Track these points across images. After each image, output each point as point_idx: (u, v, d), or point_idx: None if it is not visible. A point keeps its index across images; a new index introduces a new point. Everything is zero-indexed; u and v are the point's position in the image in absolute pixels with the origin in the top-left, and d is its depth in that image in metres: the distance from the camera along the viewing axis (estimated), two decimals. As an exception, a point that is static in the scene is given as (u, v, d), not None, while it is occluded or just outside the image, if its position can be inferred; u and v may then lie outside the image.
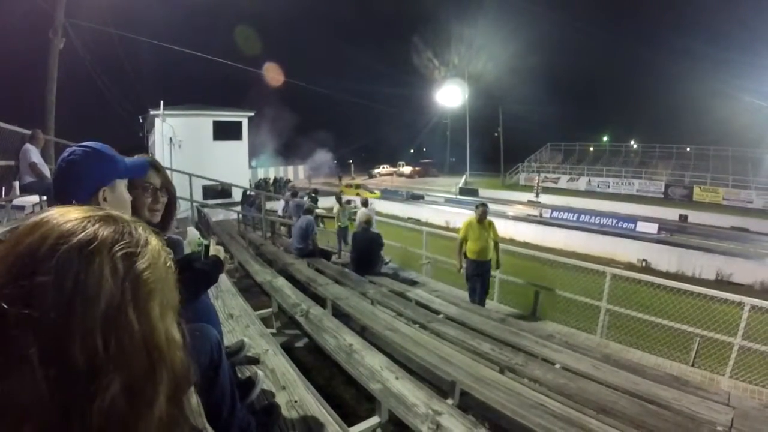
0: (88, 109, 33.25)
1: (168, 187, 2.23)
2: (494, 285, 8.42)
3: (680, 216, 29.86)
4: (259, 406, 2.47)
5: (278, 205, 14.83)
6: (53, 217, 0.62)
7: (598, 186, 41.69)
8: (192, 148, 26.49)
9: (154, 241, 0.67)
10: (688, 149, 43.30)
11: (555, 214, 30.29)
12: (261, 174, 46.85)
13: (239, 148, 30.24)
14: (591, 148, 50.75)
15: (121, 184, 1.55)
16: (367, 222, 8.14)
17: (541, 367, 4.16)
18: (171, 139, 26.28)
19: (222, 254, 2.39)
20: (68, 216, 0.62)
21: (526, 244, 19.61)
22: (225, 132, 29.14)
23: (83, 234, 0.59)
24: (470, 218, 7.61)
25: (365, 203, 12.39)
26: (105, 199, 1.45)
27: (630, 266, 18.41)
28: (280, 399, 2.61)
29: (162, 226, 2.23)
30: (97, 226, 0.61)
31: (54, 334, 0.52)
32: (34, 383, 0.51)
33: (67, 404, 0.52)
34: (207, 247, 2.37)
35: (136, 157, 1.83)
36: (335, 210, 14.39)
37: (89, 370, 0.53)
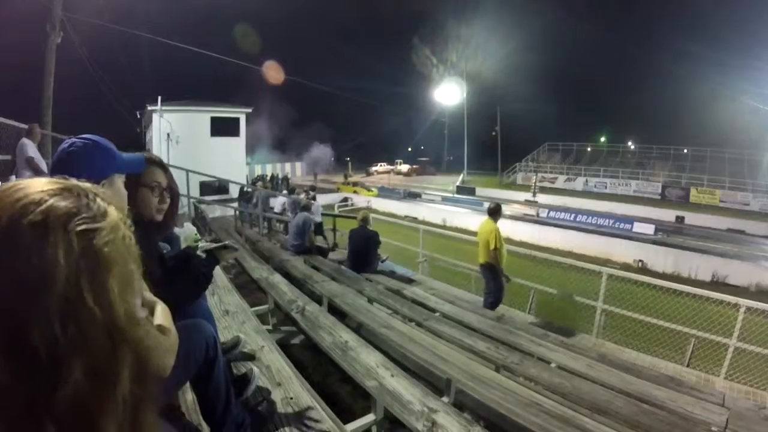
0: (86, 104, 33.12)
1: (172, 186, 2.25)
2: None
3: (677, 217, 30.00)
4: (254, 403, 2.46)
5: (275, 202, 14.78)
6: (9, 192, 0.59)
7: (595, 186, 41.83)
8: (189, 144, 26.39)
9: (114, 213, 0.64)
10: (685, 151, 43.44)
11: (552, 213, 30.37)
12: (258, 170, 46.82)
13: (237, 145, 30.13)
14: (588, 149, 50.84)
15: (119, 179, 1.53)
16: (364, 220, 8.14)
17: (536, 366, 4.16)
18: (168, 134, 26.16)
19: (225, 254, 2.41)
20: (25, 190, 0.59)
21: (522, 244, 19.63)
22: (222, 128, 29.02)
23: (37, 210, 0.56)
24: (496, 225, 7.22)
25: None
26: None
27: (626, 267, 18.49)
28: (276, 396, 2.60)
29: (165, 224, 2.24)
30: (53, 200, 0.58)
31: (10, 320, 0.51)
32: None
33: (31, 394, 0.51)
34: (209, 251, 2.37)
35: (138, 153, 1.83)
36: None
37: (49, 358, 0.51)
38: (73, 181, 0.65)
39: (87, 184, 0.66)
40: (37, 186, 0.61)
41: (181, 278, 2.16)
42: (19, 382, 0.50)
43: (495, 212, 7.31)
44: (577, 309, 8.05)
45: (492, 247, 6.99)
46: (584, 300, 7.70)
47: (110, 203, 0.66)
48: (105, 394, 0.56)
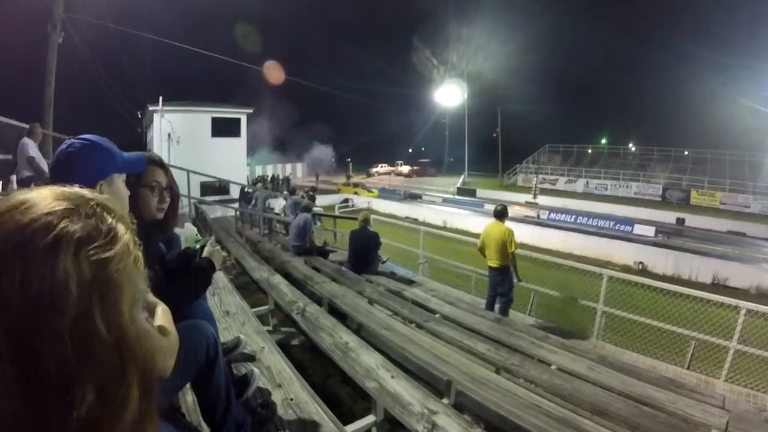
0: (87, 104, 33.12)
1: (172, 186, 2.25)
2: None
3: (677, 219, 29.98)
4: (254, 404, 2.46)
5: (276, 204, 14.80)
6: (15, 212, 0.57)
7: (595, 188, 41.83)
8: (190, 144, 26.37)
9: (123, 232, 0.63)
10: (686, 153, 43.49)
11: (552, 215, 30.36)
12: (259, 171, 46.79)
13: (238, 145, 30.12)
14: (589, 150, 50.85)
15: (119, 179, 1.52)
16: (365, 221, 8.14)
17: (536, 368, 4.16)
18: (169, 135, 26.14)
19: (219, 255, 2.41)
20: (32, 211, 0.57)
21: (523, 245, 19.59)
22: (223, 129, 29.00)
23: (48, 238, 0.55)
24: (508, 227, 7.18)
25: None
26: (102, 194, 1.43)
27: (627, 268, 18.47)
28: (276, 397, 2.60)
29: (165, 224, 2.24)
30: (62, 224, 0.57)
31: (22, 345, 0.51)
32: (7, 390, 0.50)
33: (44, 418, 0.51)
34: (202, 248, 2.38)
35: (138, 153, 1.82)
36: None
37: (62, 381, 0.51)
38: (78, 194, 0.64)
39: (90, 195, 0.65)
40: (45, 206, 0.59)
41: (180, 279, 2.17)
42: (32, 406, 0.51)
43: (503, 214, 7.22)
44: (578, 311, 8.05)
45: (511, 249, 6.94)
46: (585, 302, 7.70)
47: (120, 219, 0.65)
48: (116, 414, 0.57)
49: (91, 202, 0.63)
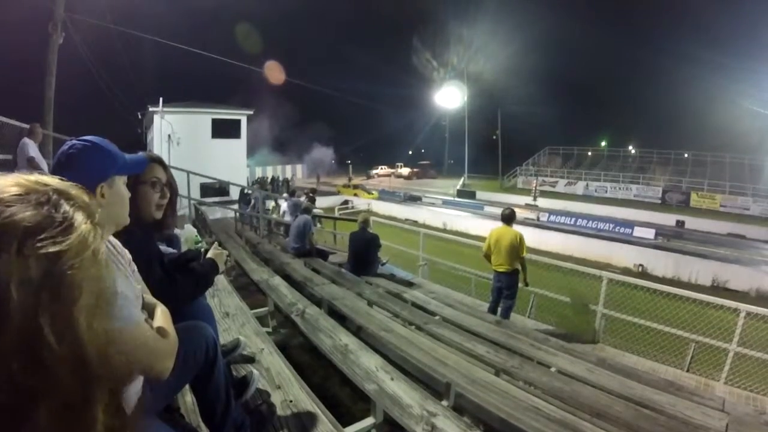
0: (87, 105, 33.09)
1: (171, 183, 2.29)
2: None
3: (677, 222, 30.03)
4: (253, 405, 2.46)
5: (270, 204, 14.81)
6: None
7: (595, 190, 41.79)
8: (190, 145, 26.42)
9: (81, 222, 0.55)
10: (685, 155, 43.51)
11: (552, 217, 30.38)
12: (259, 173, 46.81)
13: (238, 147, 30.18)
14: (589, 153, 50.82)
15: (120, 180, 1.51)
16: (365, 223, 8.14)
17: (536, 370, 4.16)
18: (169, 136, 26.17)
19: (222, 258, 2.43)
20: None
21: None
22: (224, 130, 29.06)
23: None
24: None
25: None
26: (103, 195, 1.43)
27: (626, 271, 18.51)
28: (275, 398, 2.60)
29: (165, 223, 2.26)
30: (11, 210, 0.50)
31: None
32: None
33: None
34: (206, 251, 2.40)
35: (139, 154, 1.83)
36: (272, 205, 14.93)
37: (9, 402, 0.44)
38: (34, 180, 0.57)
39: (49, 180, 0.58)
40: (1, 186, 0.53)
41: (181, 278, 2.17)
42: None
43: (511, 218, 7.14)
44: (578, 313, 8.05)
45: (523, 253, 6.89)
46: (584, 303, 7.70)
47: (80, 207, 0.57)
48: None
49: (46, 188, 0.56)
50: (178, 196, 2.41)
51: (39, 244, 0.49)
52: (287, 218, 12.59)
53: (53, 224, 0.51)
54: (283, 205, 13.97)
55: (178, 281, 2.14)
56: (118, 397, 0.58)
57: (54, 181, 0.59)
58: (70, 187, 0.59)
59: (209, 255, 2.41)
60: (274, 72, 48.74)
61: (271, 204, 15.24)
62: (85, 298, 0.51)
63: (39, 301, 0.47)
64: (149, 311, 1.49)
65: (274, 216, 13.70)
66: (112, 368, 0.55)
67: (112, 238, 1.43)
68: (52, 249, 0.49)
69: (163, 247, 2.51)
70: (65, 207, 0.55)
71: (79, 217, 0.55)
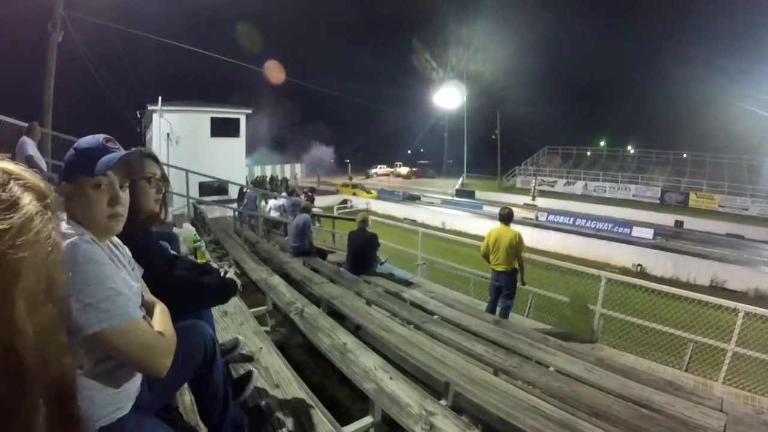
0: (86, 103, 33.02)
1: (165, 177, 2.38)
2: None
3: (676, 222, 30.06)
4: (252, 404, 2.46)
5: (274, 205, 14.82)
6: None
7: (594, 190, 41.84)
8: (189, 144, 26.36)
9: (28, 202, 0.52)
10: (684, 155, 43.60)
11: (551, 217, 30.43)
12: (258, 172, 46.78)
13: (237, 146, 30.12)
14: (588, 153, 50.91)
15: (87, 183, 1.37)
16: (363, 222, 8.13)
17: (535, 370, 4.16)
18: (168, 135, 26.14)
19: (238, 284, 2.49)
20: None
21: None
22: (223, 129, 29.01)
23: None
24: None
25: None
26: (67, 194, 1.36)
27: (625, 271, 18.54)
28: (274, 397, 2.60)
29: (159, 215, 2.31)
30: None
31: None
32: None
33: None
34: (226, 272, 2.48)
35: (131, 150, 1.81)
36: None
37: None
38: (1, 165, 0.55)
39: (14, 167, 0.57)
40: None
41: (184, 279, 2.18)
42: None
43: (509, 218, 7.16)
44: (577, 313, 8.06)
45: (521, 253, 6.91)
46: (583, 303, 7.70)
47: (30, 188, 0.54)
48: None
49: (4, 169, 0.54)
50: (176, 195, 2.49)
51: None
52: (273, 214, 12.62)
53: None
54: (270, 203, 13.99)
55: (182, 282, 2.15)
56: (66, 399, 0.52)
57: (11, 165, 0.57)
58: (26, 171, 0.58)
59: (230, 275, 2.52)
60: (274, 71, 48.78)
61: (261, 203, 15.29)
62: (26, 282, 0.46)
63: None
64: (148, 309, 1.49)
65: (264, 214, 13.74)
66: (56, 362, 0.50)
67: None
68: None
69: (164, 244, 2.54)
70: (13, 187, 0.52)
71: (26, 198, 0.52)
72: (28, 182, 0.54)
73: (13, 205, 0.49)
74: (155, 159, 2.35)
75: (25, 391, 0.45)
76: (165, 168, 2.48)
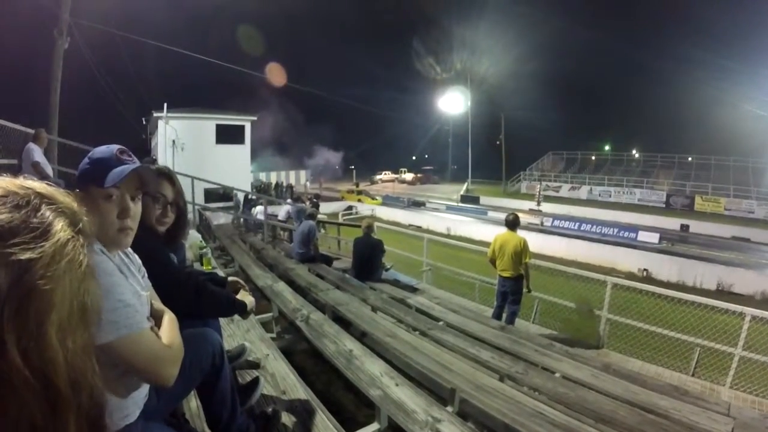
0: (92, 110, 33.25)
1: (179, 201, 2.24)
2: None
3: (681, 226, 29.94)
4: (258, 411, 2.47)
5: (280, 210, 14.84)
6: None
7: (599, 195, 41.71)
8: (194, 151, 26.51)
9: (60, 228, 0.50)
10: (689, 159, 43.47)
11: (556, 222, 30.35)
12: (263, 178, 46.87)
13: (242, 152, 30.25)
14: (593, 157, 50.85)
15: (98, 194, 1.37)
16: (369, 228, 8.14)
17: (540, 376, 4.15)
18: (174, 141, 26.30)
19: (251, 304, 2.48)
20: None
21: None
22: (228, 135, 29.16)
23: None
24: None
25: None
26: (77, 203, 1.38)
27: (631, 275, 18.46)
28: (280, 404, 2.61)
29: (169, 239, 2.23)
30: None
31: None
32: None
33: None
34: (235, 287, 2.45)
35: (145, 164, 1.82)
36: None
37: None
38: (19, 183, 0.53)
39: (34, 184, 0.54)
40: None
41: (189, 285, 2.16)
42: None
43: (515, 223, 7.15)
44: (582, 318, 8.03)
45: (526, 259, 6.89)
46: (588, 308, 7.68)
47: (63, 213, 0.53)
48: None
49: (27, 191, 0.52)
50: (186, 213, 2.39)
51: (8, 250, 0.44)
52: (261, 218, 12.64)
53: (27, 229, 0.47)
54: (257, 209, 14.03)
55: (188, 288, 2.14)
56: (97, 423, 0.52)
57: (40, 185, 0.54)
58: (57, 192, 0.55)
59: (239, 296, 2.45)
60: (279, 78, 48.96)
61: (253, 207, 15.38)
62: (58, 312, 0.46)
63: (3, 312, 0.42)
64: (157, 318, 1.50)
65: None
66: (88, 391, 0.50)
67: None
68: (23, 256, 0.45)
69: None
70: (45, 212, 0.50)
71: (58, 224, 0.50)
72: (60, 206, 0.53)
73: (45, 232, 0.48)
74: (170, 179, 2.21)
75: (57, 413, 0.45)
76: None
